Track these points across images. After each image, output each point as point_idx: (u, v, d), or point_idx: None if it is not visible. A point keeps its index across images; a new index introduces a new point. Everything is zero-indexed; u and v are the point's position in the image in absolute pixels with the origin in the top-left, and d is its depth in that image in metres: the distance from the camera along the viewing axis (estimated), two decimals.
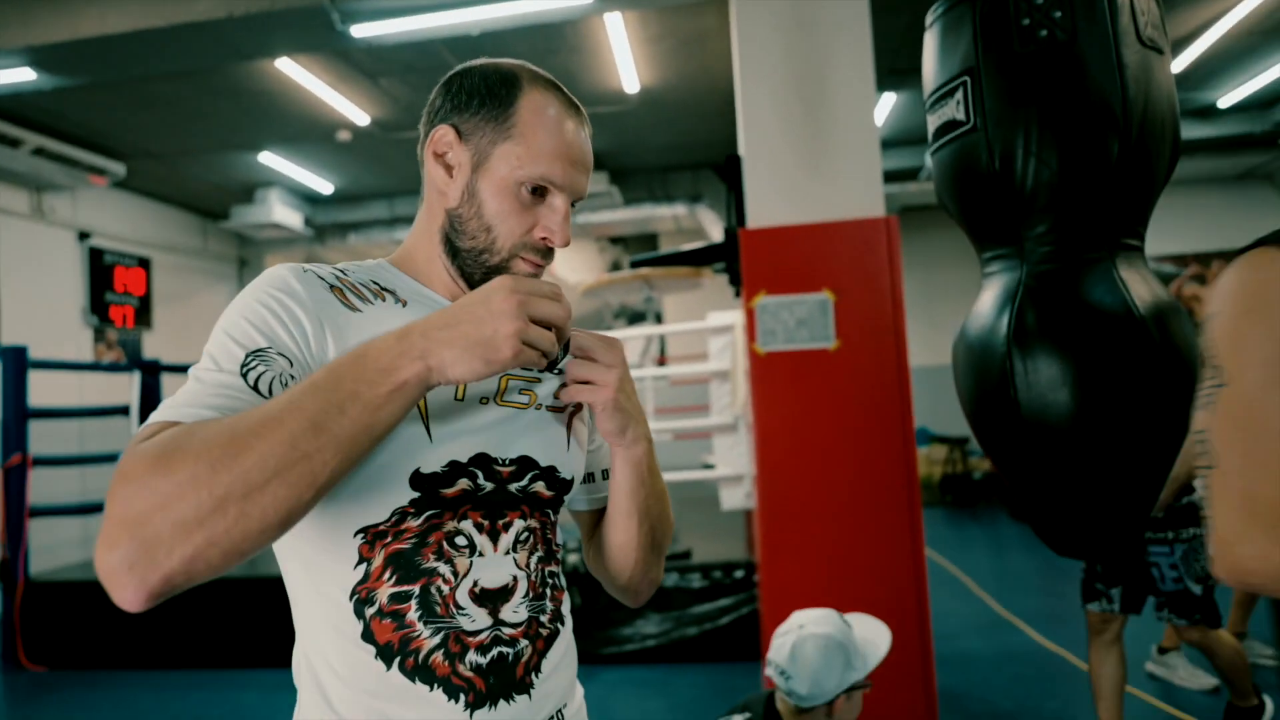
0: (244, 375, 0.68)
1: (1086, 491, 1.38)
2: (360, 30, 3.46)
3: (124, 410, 4.89)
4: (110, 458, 4.58)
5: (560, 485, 0.87)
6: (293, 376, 0.70)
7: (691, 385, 6.40)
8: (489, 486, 0.80)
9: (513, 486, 0.82)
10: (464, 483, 0.78)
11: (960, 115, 1.41)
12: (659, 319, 8.82)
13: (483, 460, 0.80)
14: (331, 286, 0.79)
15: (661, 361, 7.55)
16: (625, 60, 4.95)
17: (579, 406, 0.90)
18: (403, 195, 7.64)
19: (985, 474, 8.31)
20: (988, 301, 1.47)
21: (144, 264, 7.16)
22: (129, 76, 4.03)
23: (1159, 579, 2.34)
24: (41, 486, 4.51)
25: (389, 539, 0.75)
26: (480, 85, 0.83)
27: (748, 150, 3.07)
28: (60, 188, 5.95)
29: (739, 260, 3.02)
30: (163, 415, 0.64)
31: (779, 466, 2.93)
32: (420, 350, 0.65)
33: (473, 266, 0.83)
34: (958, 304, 8.43)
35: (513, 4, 3.35)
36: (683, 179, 7.39)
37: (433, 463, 0.76)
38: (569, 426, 0.90)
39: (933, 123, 1.52)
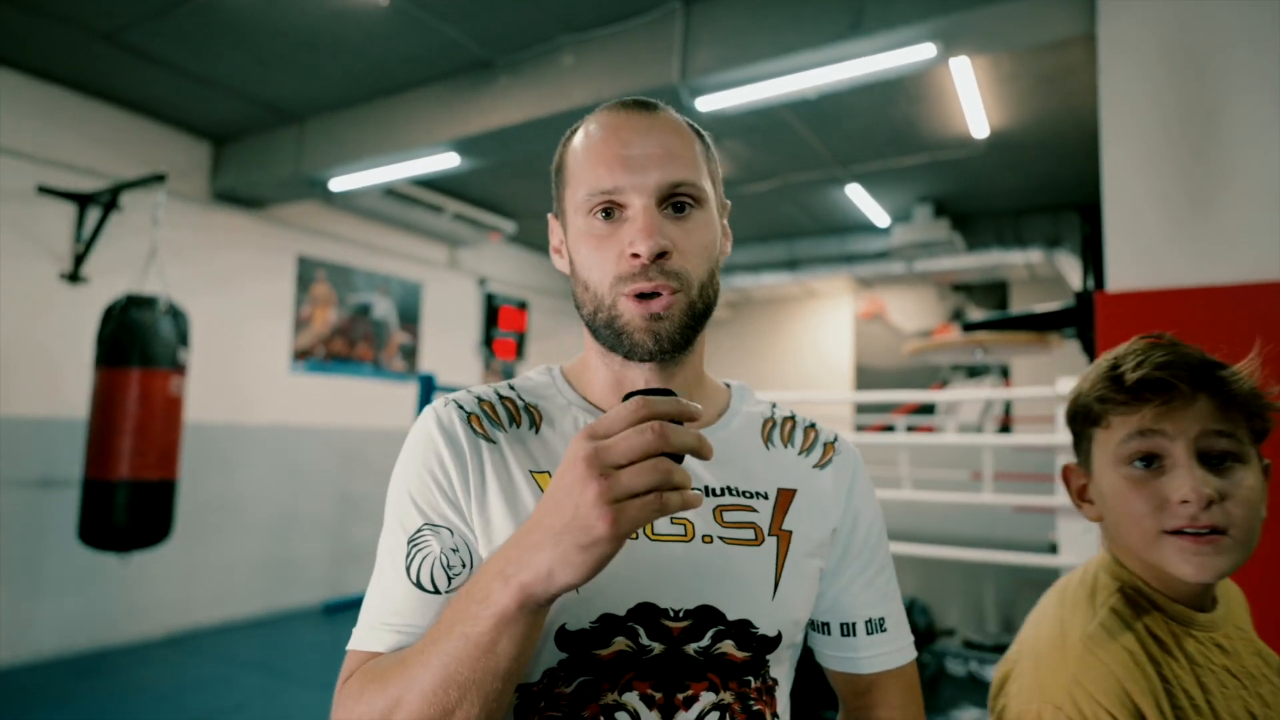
0: (408, 570, 0.65)
1: None
2: (704, 104, 3.74)
3: None
4: None
5: (759, 645, 0.68)
6: (454, 549, 0.66)
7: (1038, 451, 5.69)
8: (656, 648, 0.64)
9: (690, 648, 0.65)
10: (622, 642, 0.64)
11: None
12: (1005, 373, 8.04)
13: (647, 612, 0.65)
14: (469, 415, 0.73)
15: (1005, 423, 6.84)
16: (973, 104, 4.66)
17: (786, 534, 0.73)
18: (751, 242, 7.97)
19: None
20: None
21: (523, 305, 8.43)
22: (523, 156, 4.83)
23: None
24: None
25: (542, 704, 0.65)
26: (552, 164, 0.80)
27: (1110, 202, 2.69)
28: (468, 243, 7.28)
29: (1093, 328, 2.65)
30: (354, 642, 0.67)
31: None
32: (512, 568, 0.54)
33: (603, 338, 0.73)
34: None
35: (850, 65, 3.36)
36: (1039, 222, 6.67)
37: (581, 617, 0.64)
38: (780, 562, 0.70)
39: None
